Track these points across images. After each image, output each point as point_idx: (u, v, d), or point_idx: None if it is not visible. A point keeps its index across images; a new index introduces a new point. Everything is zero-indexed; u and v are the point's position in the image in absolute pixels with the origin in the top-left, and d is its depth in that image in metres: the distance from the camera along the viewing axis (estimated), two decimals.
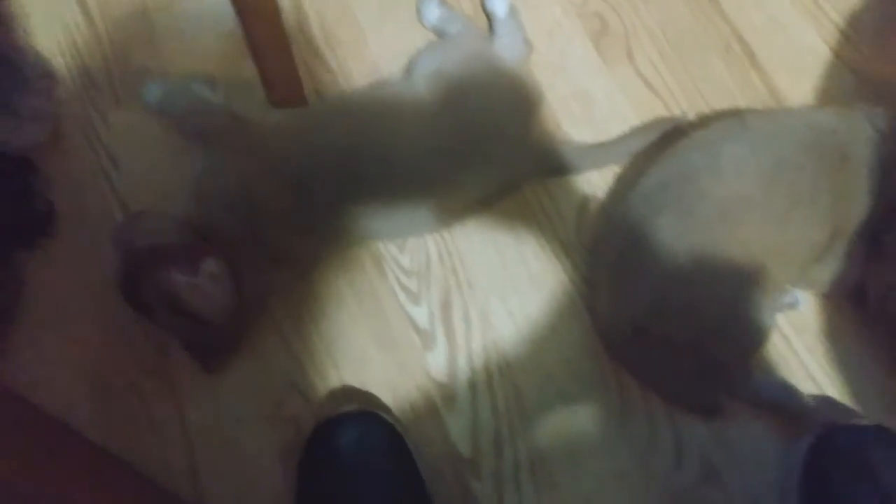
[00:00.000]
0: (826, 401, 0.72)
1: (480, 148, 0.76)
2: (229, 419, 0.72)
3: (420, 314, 0.76)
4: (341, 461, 0.65)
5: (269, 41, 0.78)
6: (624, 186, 0.81)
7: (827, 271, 0.73)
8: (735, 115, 0.77)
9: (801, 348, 0.75)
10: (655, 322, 0.70)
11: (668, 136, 0.81)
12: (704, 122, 0.81)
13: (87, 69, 0.87)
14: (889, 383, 0.73)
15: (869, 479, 0.62)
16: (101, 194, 0.81)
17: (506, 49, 0.85)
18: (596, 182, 0.82)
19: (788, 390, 0.72)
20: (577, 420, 0.72)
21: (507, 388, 0.73)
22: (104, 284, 0.74)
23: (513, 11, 0.87)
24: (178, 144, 0.81)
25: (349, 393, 0.73)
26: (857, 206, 0.71)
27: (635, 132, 0.83)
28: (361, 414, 0.68)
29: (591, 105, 0.86)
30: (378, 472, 0.65)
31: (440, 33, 0.88)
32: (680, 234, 0.69)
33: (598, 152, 0.83)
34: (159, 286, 0.66)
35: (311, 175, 0.73)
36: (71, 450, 0.48)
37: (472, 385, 0.73)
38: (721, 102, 0.86)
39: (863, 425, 0.67)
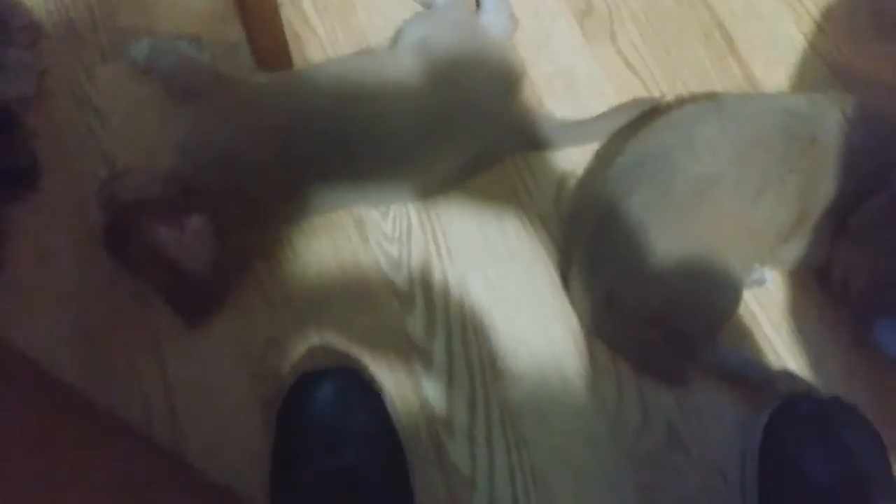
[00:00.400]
0: (788, 374, 0.75)
1: (463, 119, 0.78)
2: (210, 371, 0.73)
3: (400, 279, 0.78)
4: (319, 415, 0.67)
5: (257, 3, 0.78)
6: (602, 163, 0.82)
7: (794, 251, 0.76)
8: (711, 97, 0.79)
9: (766, 324, 0.77)
10: (626, 293, 0.72)
11: (646, 116, 0.83)
12: (681, 103, 0.83)
13: (74, 23, 0.87)
14: (849, 359, 0.75)
15: (823, 444, 0.65)
16: (86, 148, 0.81)
17: (492, 23, 0.86)
18: (575, 158, 0.84)
19: (752, 363, 0.74)
20: (548, 383, 0.74)
21: (482, 351, 0.75)
22: (88, 237, 0.74)
23: None
24: (164, 101, 0.81)
25: (329, 351, 0.74)
26: (825, 189, 0.73)
27: (615, 111, 0.85)
28: (340, 370, 0.70)
29: (573, 83, 0.88)
30: (355, 427, 0.67)
31: (427, 4, 0.89)
32: (653, 209, 0.71)
33: (579, 129, 0.85)
34: (144, 240, 0.67)
35: (294, 138, 0.74)
36: (82, 412, 0.48)
37: (448, 348, 0.75)
38: (699, 86, 0.88)
39: (821, 397, 0.70)
